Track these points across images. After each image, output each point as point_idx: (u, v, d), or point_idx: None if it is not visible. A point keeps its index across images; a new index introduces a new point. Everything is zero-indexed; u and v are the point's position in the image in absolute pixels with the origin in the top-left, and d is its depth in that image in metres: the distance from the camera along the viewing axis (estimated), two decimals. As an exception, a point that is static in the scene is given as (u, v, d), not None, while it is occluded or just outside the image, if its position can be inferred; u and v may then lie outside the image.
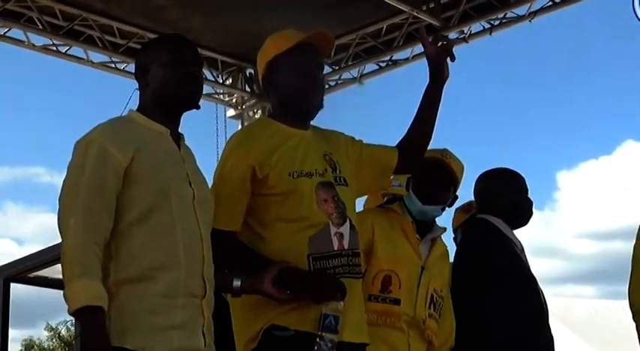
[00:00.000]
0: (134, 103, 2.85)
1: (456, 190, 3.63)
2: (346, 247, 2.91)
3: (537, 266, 4.00)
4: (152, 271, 2.53)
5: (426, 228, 3.56)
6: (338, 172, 3.00)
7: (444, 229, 3.65)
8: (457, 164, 3.60)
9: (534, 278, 3.90)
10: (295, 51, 3.02)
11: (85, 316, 2.40)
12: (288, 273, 2.80)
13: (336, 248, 2.88)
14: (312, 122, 3.12)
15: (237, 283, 2.83)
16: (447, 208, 3.65)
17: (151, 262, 2.53)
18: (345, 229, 2.92)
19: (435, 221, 3.62)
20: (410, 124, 3.24)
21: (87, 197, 2.49)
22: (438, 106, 3.22)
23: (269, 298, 2.81)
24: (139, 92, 2.83)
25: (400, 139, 3.25)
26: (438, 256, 3.57)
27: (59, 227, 2.51)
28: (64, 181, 2.57)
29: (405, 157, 3.21)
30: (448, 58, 3.15)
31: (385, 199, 3.70)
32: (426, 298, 3.44)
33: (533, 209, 4.05)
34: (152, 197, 2.57)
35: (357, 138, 3.22)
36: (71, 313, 2.42)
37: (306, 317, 2.80)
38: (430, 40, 3.15)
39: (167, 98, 2.75)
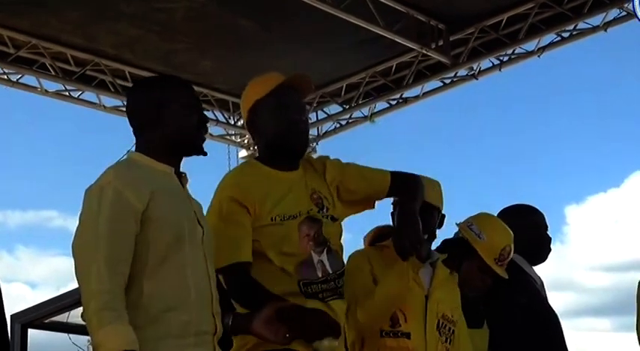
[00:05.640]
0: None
1: (440, 211, 3.59)
2: (330, 271, 2.97)
3: (552, 299, 3.99)
4: (165, 313, 2.51)
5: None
6: (325, 210, 3.06)
7: (445, 255, 3.59)
8: None
9: (555, 314, 3.88)
10: (274, 95, 3.04)
11: None
12: (285, 311, 2.72)
13: (320, 275, 2.95)
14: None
15: (226, 320, 2.73)
16: (437, 230, 3.61)
17: (164, 305, 2.52)
18: (324, 256, 2.97)
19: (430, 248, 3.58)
20: None
21: (107, 244, 2.46)
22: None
23: (261, 339, 2.74)
24: (140, 127, 2.75)
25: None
26: (442, 280, 3.51)
27: (78, 275, 2.47)
28: (79, 228, 2.53)
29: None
30: None
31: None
32: (436, 326, 3.39)
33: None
34: (169, 239, 2.56)
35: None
36: None
37: None
38: None
39: (184, 141, 2.72)
